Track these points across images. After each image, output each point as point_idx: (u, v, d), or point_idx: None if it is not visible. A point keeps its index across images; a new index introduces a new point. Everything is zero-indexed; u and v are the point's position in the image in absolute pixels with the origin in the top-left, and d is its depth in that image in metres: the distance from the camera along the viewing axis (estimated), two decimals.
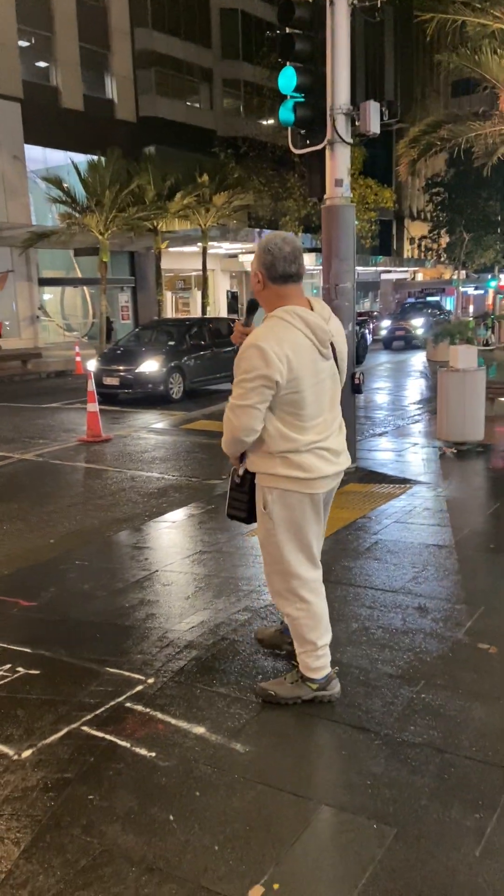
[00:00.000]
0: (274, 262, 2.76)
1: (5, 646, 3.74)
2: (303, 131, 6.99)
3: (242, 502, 3.07)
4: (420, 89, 32.21)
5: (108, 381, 13.09)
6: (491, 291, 44.66)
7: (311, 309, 2.82)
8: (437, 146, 14.28)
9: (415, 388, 15.59)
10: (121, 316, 28.40)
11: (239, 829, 2.33)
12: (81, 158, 22.68)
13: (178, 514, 6.12)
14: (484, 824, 2.30)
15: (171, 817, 2.39)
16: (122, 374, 13.24)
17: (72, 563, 5.15)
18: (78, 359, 19.34)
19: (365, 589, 4.24)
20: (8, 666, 3.51)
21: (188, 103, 32.78)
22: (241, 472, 3.03)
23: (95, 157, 21.42)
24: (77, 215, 21.01)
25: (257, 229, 29.83)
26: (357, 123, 6.84)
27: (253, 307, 2.92)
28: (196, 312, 29.53)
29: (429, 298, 37.72)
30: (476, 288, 45.81)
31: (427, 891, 2.05)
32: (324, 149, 6.91)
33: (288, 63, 6.70)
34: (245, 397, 2.72)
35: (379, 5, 6.81)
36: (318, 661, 3.01)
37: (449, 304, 41.87)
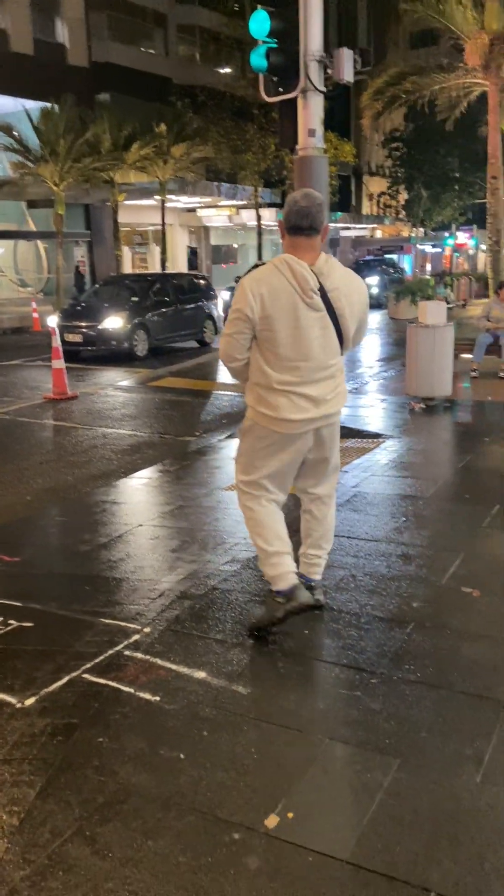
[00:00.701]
0: (289, 214, 2.98)
1: None
2: (275, 78, 6.85)
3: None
4: (384, 39, 31.72)
5: (71, 337, 12.85)
6: (448, 249, 44.91)
7: (314, 263, 2.96)
8: (401, 99, 14.13)
9: (378, 346, 15.69)
10: (78, 271, 27.74)
11: (249, 764, 2.41)
12: (33, 105, 21.81)
13: (155, 470, 6.12)
14: (482, 752, 2.42)
15: (182, 756, 2.46)
16: (84, 330, 13.02)
17: (51, 520, 5.14)
18: (35, 315, 18.92)
19: (349, 539, 4.33)
20: (0, 619, 3.51)
21: (142, 49, 31.71)
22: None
23: (48, 105, 20.64)
24: (31, 165, 20.32)
25: (216, 183, 29.28)
26: (330, 71, 6.74)
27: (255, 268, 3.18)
28: (154, 268, 29.02)
29: (386, 256, 37.72)
30: (434, 246, 45.93)
31: (434, 815, 2.16)
32: (296, 98, 6.80)
33: (259, 6, 6.52)
34: (228, 327, 3.06)
35: None
36: (273, 570, 3.16)
37: (407, 262, 41.95)
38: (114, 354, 13.08)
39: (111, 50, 29.50)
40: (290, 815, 2.18)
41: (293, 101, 6.84)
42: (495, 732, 2.52)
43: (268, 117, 25.31)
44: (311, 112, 6.76)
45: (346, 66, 6.58)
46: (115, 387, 10.64)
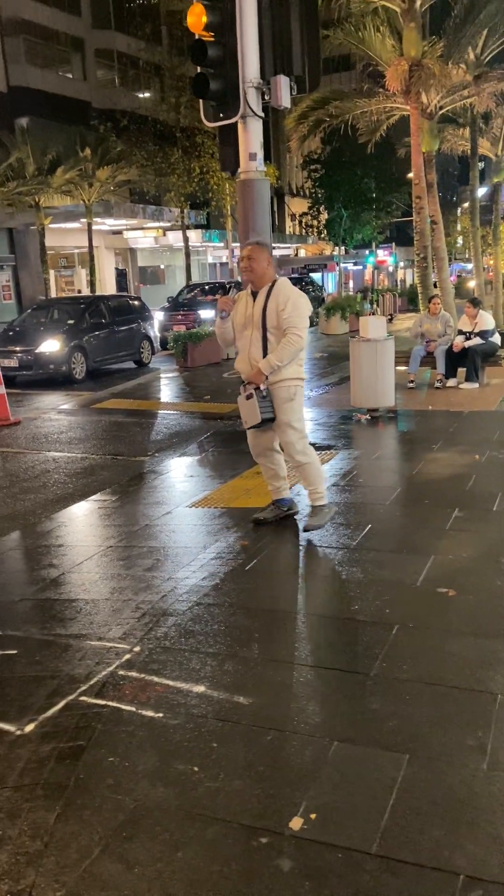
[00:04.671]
0: (270, 254, 4.69)
1: None
2: (214, 104, 7.00)
3: (270, 407, 4.51)
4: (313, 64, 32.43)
5: (5, 362, 12.63)
6: (369, 267, 46.19)
7: None
8: (325, 122, 14.56)
9: (316, 361, 15.98)
10: (3, 296, 27.22)
11: (263, 771, 2.45)
12: None
13: (113, 492, 6.09)
14: (484, 742, 2.53)
15: (196, 768, 2.48)
16: (19, 354, 12.84)
17: (15, 546, 5.05)
18: None
19: (323, 548, 4.43)
20: None
21: (60, 73, 31.58)
22: (264, 387, 4.49)
23: None
24: None
25: (141, 205, 29.33)
26: (267, 98, 6.93)
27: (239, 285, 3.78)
28: (81, 291, 28.75)
29: (310, 274, 38.52)
30: (355, 263, 47.18)
31: (450, 803, 2.26)
32: (236, 123, 6.96)
33: (198, 35, 6.66)
34: (305, 327, 4.45)
35: None
36: (325, 491, 4.78)
37: (331, 280, 42.90)
38: (51, 378, 12.92)
39: (29, 74, 29.28)
40: (313, 815, 2.23)
41: (233, 126, 7.00)
42: (493, 722, 2.64)
43: (191, 141, 25.62)
44: (252, 137, 6.93)
45: (284, 93, 6.78)
46: (59, 410, 10.51)
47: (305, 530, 4.67)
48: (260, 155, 7.00)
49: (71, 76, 32.38)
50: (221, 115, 6.96)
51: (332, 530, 4.73)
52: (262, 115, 6.92)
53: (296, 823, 2.20)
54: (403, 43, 12.89)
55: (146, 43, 27.76)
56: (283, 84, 6.80)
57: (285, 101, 6.84)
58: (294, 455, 4.63)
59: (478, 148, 19.76)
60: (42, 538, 5.11)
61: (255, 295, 4.56)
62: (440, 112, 14.44)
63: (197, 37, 6.66)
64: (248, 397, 4.50)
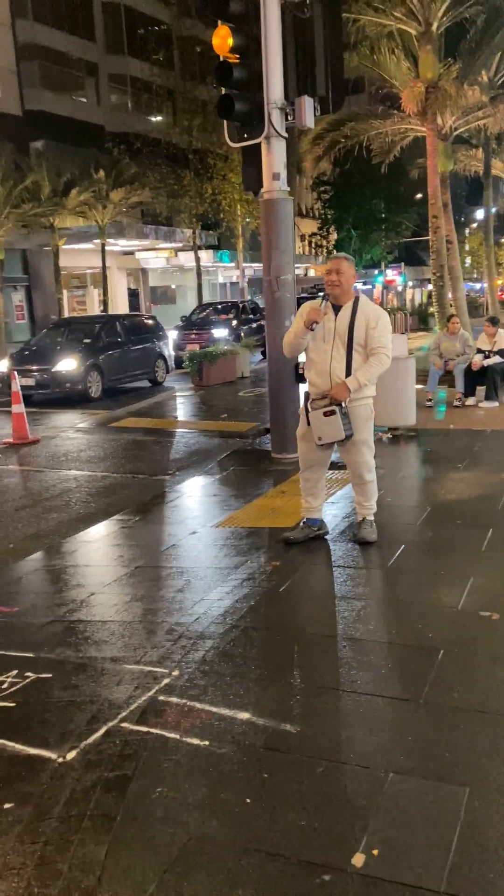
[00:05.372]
0: (355, 270, 4.57)
1: (3, 652, 3.59)
2: (238, 125, 7.02)
3: (349, 424, 4.51)
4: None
5: (23, 381, 12.60)
6: (378, 286, 46.35)
7: None
8: (341, 143, 14.65)
9: None
10: (15, 316, 27.39)
11: (318, 803, 2.36)
12: None
13: (136, 511, 6.03)
14: None
15: (248, 800, 2.39)
16: (36, 374, 12.85)
17: (41, 566, 4.98)
18: None
19: (357, 569, 4.35)
20: (14, 672, 3.37)
21: (75, 98, 32.00)
22: (345, 405, 4.48)
23: None
24: None
25: (153, 226, 29.58)
26: (290, 118, 6.94)
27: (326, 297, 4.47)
28: (93, 311, 28.93)
29: (319, 294, 38.58)
30: (364, 283, 47.33)
31: None
32: (259, 143, 6.97)
33: (224, 57, 6.69)
34: (392, 348, 4.48)
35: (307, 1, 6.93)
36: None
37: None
38: (67, 397, 12.92)
39: (44, 98, 29.69)
40: (375, 851, 2.14)
41: (257, 147, 7.01)
42: None
43: (203, 163, 25.86)
44: (275, 157, 6.94)
45: (308, 113, 6.80)
46: (76, 429, 10.48)
47: (359, 542, 4.72)
48: (283, 174, 7.00)
49: (85, 100, 32.81)
50: (246, 135, 6.97)
51: (365, 550, 4.65)
52: (286, 135, 6.93)
53: (358, 860, 2.11)
54: (420, 65, 12.99)
55: (159, 67, 28.15)
56: (308, 105, 6.81)
57: (309, 121, 6.86)
58: (364, 474, 4.73)
59: (491, 168, 19.84)
60: (68, 557, 5.05)
61: (334, 308, 4.50)
62: (454, 133, 14.51)
63: (222, 59, 6.69)
64: (329, 413, 4.45)
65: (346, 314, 4.46)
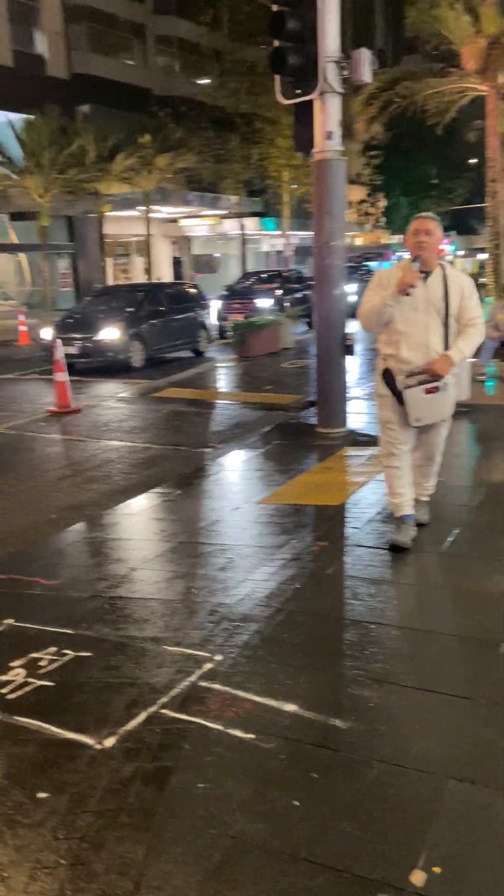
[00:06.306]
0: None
1: (42, 627, 3.48)
2: (290, 79, 6.67)
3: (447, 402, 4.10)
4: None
5: (66, 349, 12.51)
6: None
7: None
8: (395, 103, 14.08)
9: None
10: (60, 284, 27.37)
11: (373, 810, 2.18)
12: (14, 117, 21.50)
13: (178, 484, 5.87)
14: None
15: (297, 803, 2.22)
16: (79, 342, 12.73)
17: (82, 538, 4.88)
18: (23, 328, 18.56)
19: (410, 553, 4.13)
20: (53, 649, 3.25)
21: (122, 60, 31.53)
22: (447, 379, 3.98)
23: (30, 117, 20.35)
24: (14, 177, 20.00)
25: (197, 193, 29.14)
26: (346, 73, 6.58)
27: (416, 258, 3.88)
28: (137, 279, 28.75)
29: (364, 263, 37.76)
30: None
31: None
32: (312, 100, 6.63)
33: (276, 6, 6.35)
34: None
35: None
36: None
37: (386, 268, 41.98)
38: (110, 366, 12.80)
39: (91, 61, 29.28)
40: (437, 869, 1.96)
41: (309, 104, 6.67)
42: None
43: (250, 127, 25.27)
44: (330, 114, 6.58)
45: (365, 67, 6.42)
46: (118, 398, 10.37)
47: (420, 525, 4.36)
48: (337, 133, 6.65)
49: (132, 63, 32.31)
50: (298, 91, 6.62)
51: (417, 533, 4.42)
52: (342, 91, 6.57)
53: (418, 878, 1.93)
54: (481, 20, 12.33)
55: (207, 28, 27.46)
56: (365, 58, 6.43)
57: (367, 75, 6.49)
58: (438, 455, 4.40)
59: None
60: (109, 530, 4.93)
61: (424, 275, 3.94)
62: None
63: (276, 9, 6.34)
64: (433, 391, 3.95)
65: (437, 281, 3.94)
